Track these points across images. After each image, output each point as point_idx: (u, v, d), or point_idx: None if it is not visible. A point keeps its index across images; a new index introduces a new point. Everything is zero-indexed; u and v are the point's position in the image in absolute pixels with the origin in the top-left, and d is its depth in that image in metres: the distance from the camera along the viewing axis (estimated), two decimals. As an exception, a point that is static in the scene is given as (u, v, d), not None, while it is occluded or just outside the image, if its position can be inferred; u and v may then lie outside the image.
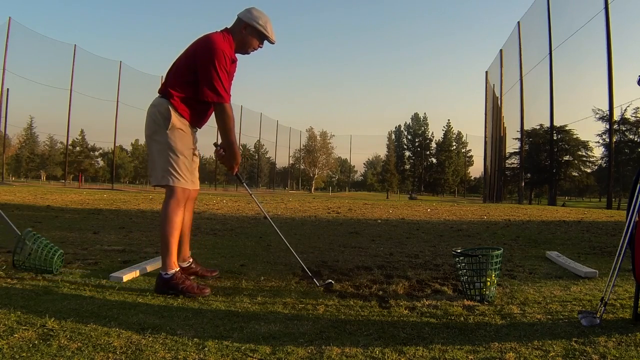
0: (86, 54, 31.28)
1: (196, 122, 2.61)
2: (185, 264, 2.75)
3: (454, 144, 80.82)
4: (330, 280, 2.69)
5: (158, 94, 2.55)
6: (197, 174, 2.74)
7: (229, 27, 2.61)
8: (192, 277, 2.73)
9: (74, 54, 29.55)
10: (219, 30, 2.57)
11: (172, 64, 2.57)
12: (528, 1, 24.28)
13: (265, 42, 2.68)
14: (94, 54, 40.42)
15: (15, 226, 2.91)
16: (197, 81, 2.44)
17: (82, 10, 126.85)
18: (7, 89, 26.28)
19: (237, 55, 2.65)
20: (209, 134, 2.63)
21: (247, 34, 2.58)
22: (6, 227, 2.96)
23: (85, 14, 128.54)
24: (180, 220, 2.48)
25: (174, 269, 2.41)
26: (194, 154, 2.63)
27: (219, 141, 2.64)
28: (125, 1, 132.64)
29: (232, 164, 2.64)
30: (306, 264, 3.28)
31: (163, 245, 2.43)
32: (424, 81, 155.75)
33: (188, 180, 2.53)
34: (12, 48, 25.40)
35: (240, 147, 51.77)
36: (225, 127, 2.51)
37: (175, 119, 2.45)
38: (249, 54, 2.68)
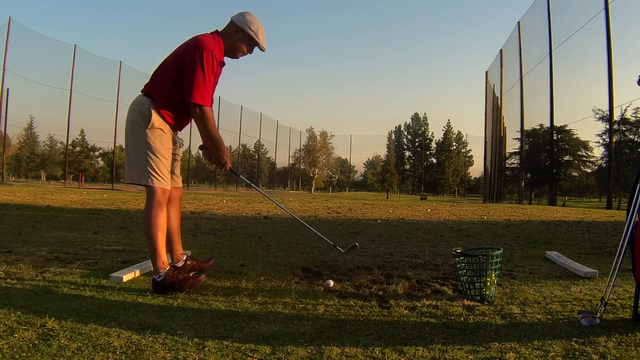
0: (86, 54, 31.31)
1: (177, 125, 2.58)
2: (179, 264, 2.75)
3: (454, 144, 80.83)
4: (355, 244, 2.82)
5: (141, 92, 2.53)
6: (178, 173, 2.74)
7: (220, 29, 2.59)
8: (191, 274, 2.74)
9: (74, 54, 29.57)
10: (209, 32, 2.55)
11: (159, 63, 2.55)
12: (528, 1, 24.30)
13: (256, 48, 2.66)
14: (94, 54, 40.40)
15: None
16: (182, 82, 2.40)
17: (82, 10, 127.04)
18: (7, 89, 26.31)
19: (226, 59, 2.62)
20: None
21: (238, 38, 2.56)
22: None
23: (85, 14, 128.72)
24: (164, 222, 2.47)
25: (164, 269, 2.40)
26: (175, 153, 2.62)
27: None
28: (125, 1, 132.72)
29: (222, 161, 2.59)
30: (306, 264, 3.29)
31: (150, 248, 2.43)
32: (424, 81, 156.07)
33: (167, 180, 2.51)
34: (12, 48, 25.43)
35: (240, 147, 51.83)
36: (206, 128, 2.48)
37: (155, 118, 2.43)
38: (237, 58, 2.66)
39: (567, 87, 24.67)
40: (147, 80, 2.58)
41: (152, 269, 2.85)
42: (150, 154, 2.43)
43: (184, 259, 2.80)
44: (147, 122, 2.42)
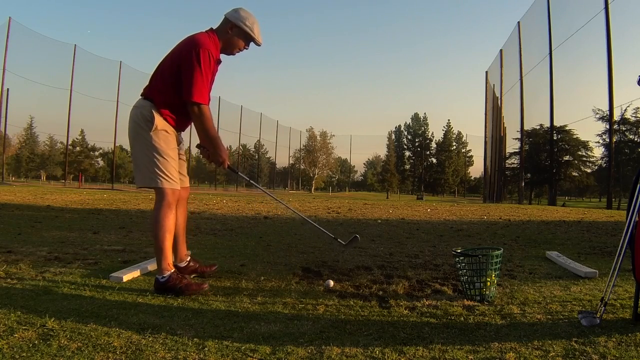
0: (86, 54, 31.36)
1: (179, 126, 2.58)
2: (182, 264, 2.75)
3: (454, 144, 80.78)
4: (355, 235, 2.86)
5: (141, 96, 2.53)
6: (185, 173, 2.74)
7: (214, 27, 2.59)
8: (192, 276, 2.74)
9: (74, 54, 29.62)
10: (204, 30, 2.54)
11: (157, 65, 2.54)
12: (528, 1, 24.29)
13: (252, 43, 2.65)
14: (94, 54, 40.30)
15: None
16: (181, 82, 2.40)
17: (82, 10, 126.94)
18: (7, 89, 26.37)
19: (222, 56, 2.62)
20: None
21: (234, 34, 2.56)
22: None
23: (85, 14, 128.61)
24: (173, 223, 2.47)
25: (169, 270, 2.40)
26: (179, 154, 2.62)
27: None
28: (125, 1, 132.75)
29: (220, 159, 2.59)
30: (306, 264, 3.29)
31: (157, 249, 2.42)
32: (424, 81, 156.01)
33: (177, 180, 2.52)
34: (12, 48, 25.49)
35: (240, 147, 51.85)
36: (204, 127, 2.48)
37: (158, 120, 2.43)
38: (234, 54, 2.66)
39: (567, 87, 24.73)
40: (147, 83, 2.57)
41: (155, 269, 2.87)
42: (157, 156, 2.43)
43: (188, 259, 2.80)
44: (150, 125, 2.42)
